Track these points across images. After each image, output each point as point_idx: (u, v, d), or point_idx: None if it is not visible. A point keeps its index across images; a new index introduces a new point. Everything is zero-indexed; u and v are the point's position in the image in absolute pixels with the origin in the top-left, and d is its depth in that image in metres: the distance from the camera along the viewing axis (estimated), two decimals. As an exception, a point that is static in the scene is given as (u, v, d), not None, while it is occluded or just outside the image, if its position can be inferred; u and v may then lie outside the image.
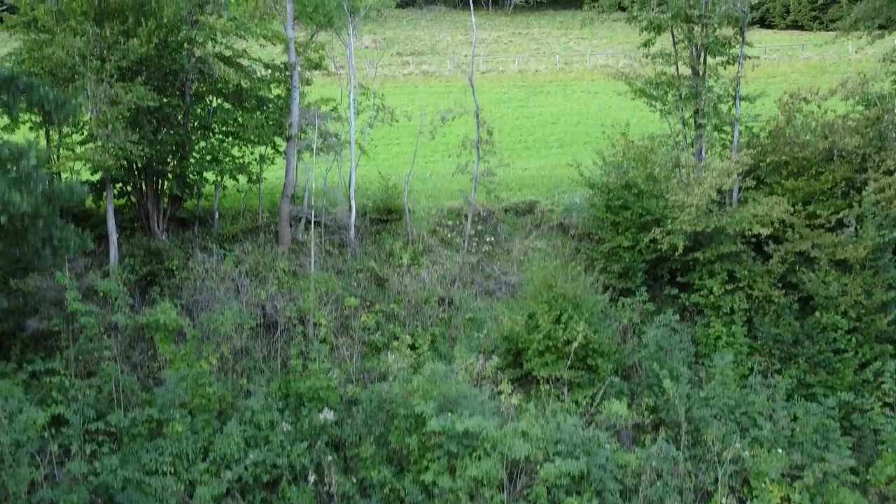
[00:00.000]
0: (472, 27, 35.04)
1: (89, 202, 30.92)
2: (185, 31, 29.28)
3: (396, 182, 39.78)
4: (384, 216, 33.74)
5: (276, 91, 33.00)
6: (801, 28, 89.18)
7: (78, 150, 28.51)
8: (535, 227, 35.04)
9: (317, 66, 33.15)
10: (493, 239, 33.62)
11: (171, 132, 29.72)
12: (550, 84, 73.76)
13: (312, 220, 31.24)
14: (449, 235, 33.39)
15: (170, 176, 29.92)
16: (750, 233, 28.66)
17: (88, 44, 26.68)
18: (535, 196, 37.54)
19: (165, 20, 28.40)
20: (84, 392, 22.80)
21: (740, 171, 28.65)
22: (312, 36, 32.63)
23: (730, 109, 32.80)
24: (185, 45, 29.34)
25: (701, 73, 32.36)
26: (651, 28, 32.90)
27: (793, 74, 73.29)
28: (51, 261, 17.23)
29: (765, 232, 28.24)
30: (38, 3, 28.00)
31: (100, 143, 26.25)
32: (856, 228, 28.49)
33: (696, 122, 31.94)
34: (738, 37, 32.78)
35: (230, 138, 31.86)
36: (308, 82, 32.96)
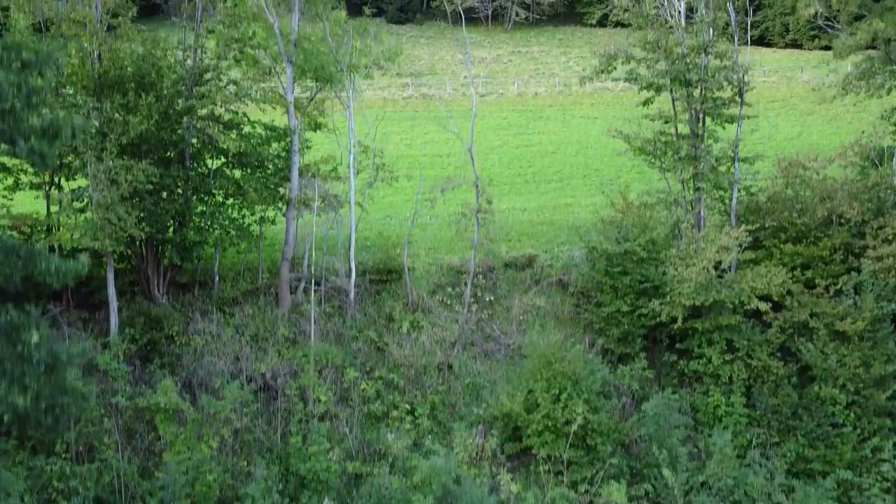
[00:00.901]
0: (472, 99, 34.74)
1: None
2: (185, 100, 29.29)
3: (396, 235, 39.94)
4: (384, 276, 33.78)
5: (275, 147, 33.00)
6: (800, 47, 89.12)
7: (77, 218, 28.52)
8: (534, 283, 35.11)
9: (317, 127, 33.20)
10: (492, 298, 33.69)
11: (171, 201, 29.76)
12: (550, 108, 73.71)
13: (312, 284, 31.30)
14: (449, 295, 33.42)
15: (169, 245, 29.92)
16: (749, 307, 28.74)
17: (88, 120, 26.68)
18: (534, 248, 37.64)
19: (165, 91, 28.44)
20: (85, 482, 22.85)
21: (739, 245, 28.69)
22: (312, 98, 32.64)
23: (728, 169, 32.86)
24: (185, 115, 29.34)
25: (700, 133, 32.41)
26: (650, 88, 32.91)
27: (792, 99, 73.40)
28: (52, 424, 16.97)
29: (763, 307, 28.32)
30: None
31: (100, 227, 26.24)
32: (854, 300, 28.56)
33: (695, 184, 31.97)
34: (736, 98, 32.76)
35: (230, 200, 31.89)
36: (308, 145, 33.02)
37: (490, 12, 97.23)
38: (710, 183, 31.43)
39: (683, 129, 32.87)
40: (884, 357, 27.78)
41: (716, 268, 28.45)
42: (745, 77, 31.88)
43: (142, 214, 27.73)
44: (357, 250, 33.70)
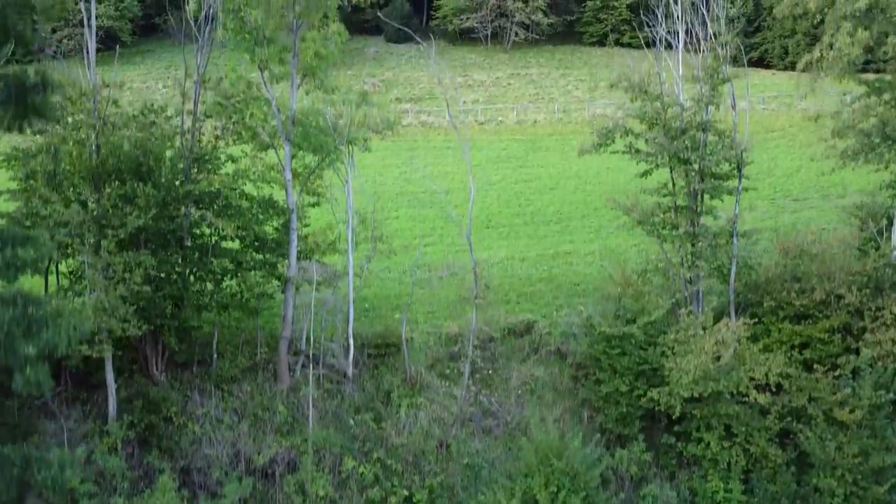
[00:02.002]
0: (470, 184, 34.48)
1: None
2: (183, 185, 29.25)
3: (396, 294, 39.97)
4: (382, 350, 33.77)
5: (274, 222, 33.00)
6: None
7: (75, 302, 28.49)
8: (533, 352, 35.08)
9: (316, 203, 33.20)
10: (491, 371, 33.70)
11: (170, 283, 29.75)
12: (549, 138, 73.64)
13: (311, 361, 31.30)
14: (448, 367, 33.44)
15: (168, 327, 29.90)
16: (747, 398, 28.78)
17: (86, 215, 26.68)
18: (532, 313, 37.59)
19: (163, 179, 28.41)
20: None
21: (738, 339, 28.64)
22: (311, 174, 32.61)
23: (728, 242, 32.85)
24: (184, 201, 29.30)
25: (698, 209, 32.40)
26: (649, 162, 32.89)
27: (791, 129, 73.35)
28: None
29: (762, 400, 28.35)
30: (35, 169, 28.05)
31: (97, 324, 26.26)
32: (853, 387, 28.58)
33: (693, 261, 31.92)
34: (735, 171, 32.73)
35: (228, 277, 31.88)
36: (307, 224, 33.02)
37: (489, 32, 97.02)
38: (709, 263, 31.41)
39: (682, 201, 32.84)
40: (882, 447, 27.82)
41: (716, 360, 28.42)
42: (744, 154, 31.81)
43: (141, 303, 27.65)
44: (356, 313, 33.63)
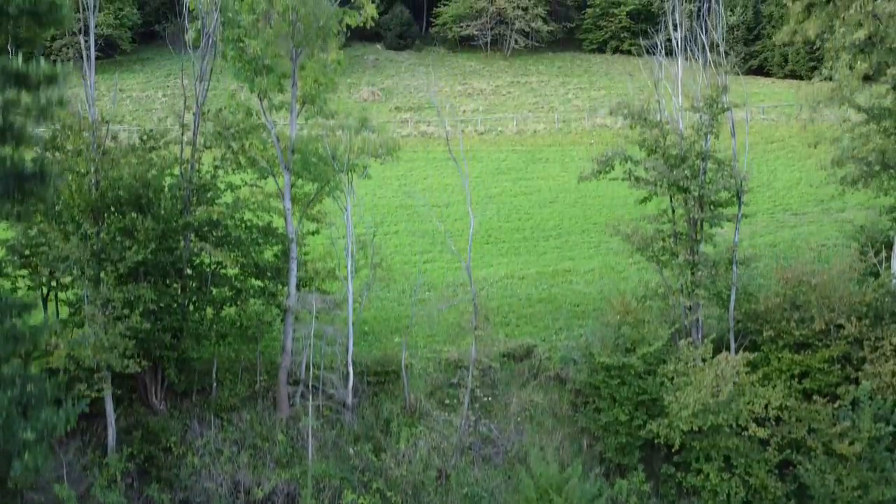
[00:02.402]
0: (470, 220, 34.38)
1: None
2: (183, 216, 29.22)
3: (395, 316, 39.94)
4: (382, 377, 33.74)
5: (274, 249, 32.98)
6: (800, 78, 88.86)
7: (74, 333, 28.47)
8: (532, 377, 35.06)
9: (316, 231, 33.18)
10: (490, 397, 33.68)
11: (170, 313, 29.73)
12: (549, 148, 73.59)
13: (310, 389, 31.28)
14: (447, 395, 33.42)
15: (167, 360, 29.88)
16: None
17: (85, 249, 26.66)
18: (532, 337, 37.57)
19: (163, 212, 28.39)
20: None
21: (737, 373, 28.61)
22: (310, 202, 32.58)
23: (727, 270, 32.82)
24: (183, 232, 29.28)
25: (697, 238, 32.38)
26: (648, 189, 32.87)
27: (790, 140, 73.19)
28: None
29: (762, 433, 28.34)
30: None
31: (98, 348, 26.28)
32: (852, 419, 28.57)
33: (692, 289, 31.89)
34: (735, 199, 32.69)
35: (228, 303, 31.88)
36: (307, 252, 32.99)
37: (489, 39, 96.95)
38: (709, 291, 31.40)
39: (682, 228, 32.81)
40: (882, 480, 27.82)
41: (714, 396, 28.38)
42: (744, 184, 31.76)
43: (140, 336, 27.62)
44: (355, 337, 33.54)
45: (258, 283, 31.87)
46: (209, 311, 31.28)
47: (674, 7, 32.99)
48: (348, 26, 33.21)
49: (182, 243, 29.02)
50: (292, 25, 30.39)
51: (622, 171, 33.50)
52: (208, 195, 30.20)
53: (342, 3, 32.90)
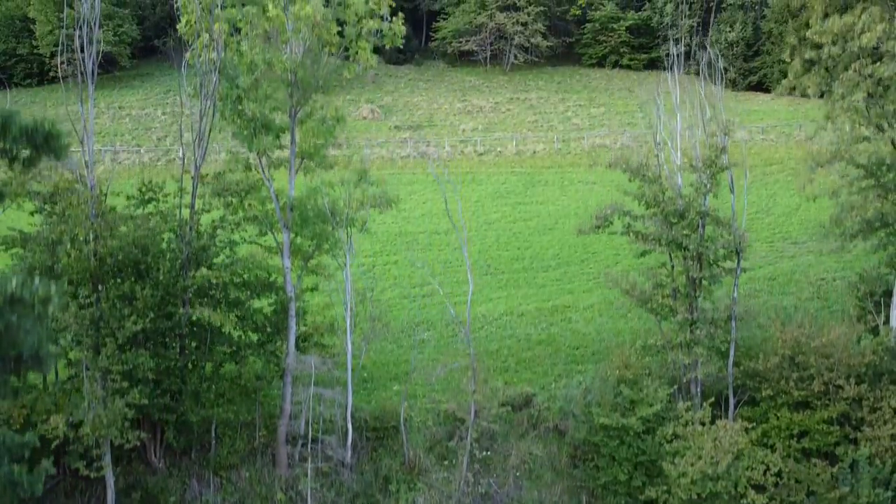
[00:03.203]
0: (469, 282, 34.28)
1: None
2: (182, 282, 29.21)
3: (394, 361, 39.93)
4: (380, 433, 33.76)
5: (271, 301, 32.99)
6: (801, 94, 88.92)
7: (72, 400, 28.49)
8: (531, 427, 35.09)
9: (315, 288, 33.18)
10: (489, 450, 33.69)
11: (168, 374, 29.76)
12: (548, 170, 73.56)
13: (309, 445, 31.31)
14: (447, 449, 33.44)
15: (166, 423, 29.90)
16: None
17: (84, 318, 26.67)
18: (531, 384, 37.57)
19: (161, 277, 28.38)
20: None
21: (736, 441, 28.64)
22: (309, 259, 32.58)
23: (726, 323, 32.84)
24: (182, 295, 29.28)
25: (696, 294, 32.40)
26: (647, 243, 32.91)
27: (790, 161, 73.12)
28: None
29: (761, 501, 28.38)
30: (34, 265, 28.00)
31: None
32: (851, 485, 28.60)
33: (691, 347, 31.91)
34: (734, 257, 32.71)
35: (227, 361, 31.90)
36: (305, 308, 33.00)
37: (489, 54, 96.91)
38: (707, 349, 31.45)
39: (681, 284, 32.82)
40: (881, 547, 27.89)
41: (713, 467, 28.40)
42: (742, 242, 31.77)
43: (141, 401, 27.62)
44: (354, 385, 33.55)
45: (256, 335, 31.84)
46: (209, 367, 31.30)
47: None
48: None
49: (181, 309, 28.97)
50: (291, 86, 30.37)
51: (621, 225, 33.53)
52: (207, 253, 30.16)
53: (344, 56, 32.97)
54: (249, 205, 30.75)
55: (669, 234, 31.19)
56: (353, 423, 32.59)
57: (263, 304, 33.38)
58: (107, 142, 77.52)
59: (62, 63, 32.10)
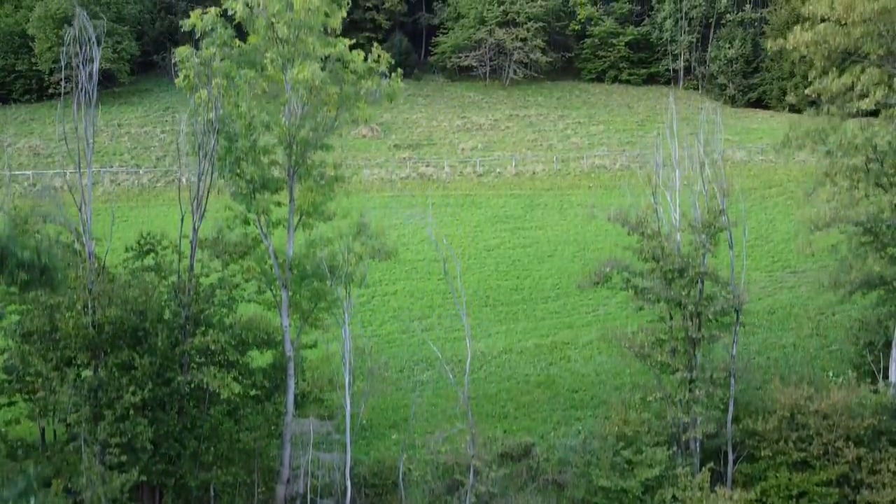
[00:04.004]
0: (468, 353, 34.18)
1: None
2: (180, 347, 29.17)
3: (393, 406, 39.92)
4: (379, 489, 33.75)
5: (269, 356, 33.01)
6: (799, 111, 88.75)
7: (68, 462, 28.52)
8: (530, 479, 35.10)
9: (313, 345, 33.19)
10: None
11: (166, 437, 29.72)
12: (548, 193, 73.55)
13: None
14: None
15: (165, 487, 29.89)
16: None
17: (82, 389, 26.66)
18: (530, 433, 37.60)
19: (160, 344, 28.36)
20: None
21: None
22: (308, 317, 32.55)
23: (725, 379, 32.83)
24: (180, 360, 29.25)
25: (695, 352, 32.39)
26: (645, 299, 32.90)
27: (789, 184, 73.21)
28: None
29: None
30: (31, 330, 28.02)
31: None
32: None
33: (690, 406, 31.89)
34: (733, 314, 32.69)
35: (226, 418, 31.89)
36: (305, 368, 33.00)
37: (488, 69, 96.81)
38: (706, 408, 31.46)
39: (679, 342, 32.79)
40: None
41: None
42: (741, 303, 31.76)
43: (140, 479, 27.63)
44: (353, 435, 33.47)
45: (255, 392, 31.82)
46: (207, 427, 31.26)
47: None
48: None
49: (180, 375, 28.95)
50: (289, 147, 30.35)
51: (620, 280, 33.52)
52: (205, 315, 30.13)
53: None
54: (249, 267, 30.68)
55: (668, 292, 31.16)
56: (351, 480, 32.58)
57: (262, 360, 33.37)
58: (105, 161, 77.43)
59: (63, 90, 31.83)
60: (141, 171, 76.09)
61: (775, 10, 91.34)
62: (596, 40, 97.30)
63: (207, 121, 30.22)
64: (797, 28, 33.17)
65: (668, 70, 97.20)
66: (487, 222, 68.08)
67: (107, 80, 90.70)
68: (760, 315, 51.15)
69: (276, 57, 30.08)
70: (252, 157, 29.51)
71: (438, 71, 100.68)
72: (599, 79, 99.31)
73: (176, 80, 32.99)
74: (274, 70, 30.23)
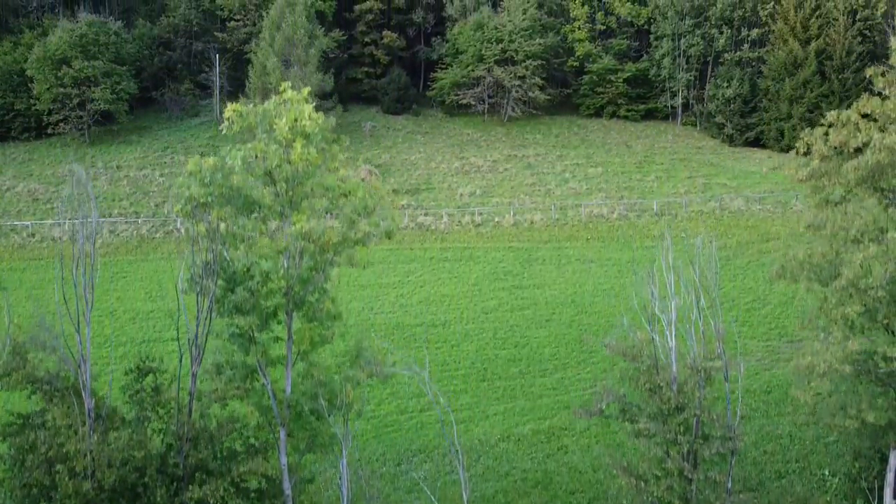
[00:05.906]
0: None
1: None
2: (180, 497, 29.38)
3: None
4: None
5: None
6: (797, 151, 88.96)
7: None
8: None
9: (311, 479, 33.39)
10: None
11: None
12: (545, 246, 73.75)
13: None
14: None
15: None
16: None
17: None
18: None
19: (159, 499, 28.55)
20: None
21: None
22: (304, 454, 32.76)
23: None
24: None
25: (691, 487, 32.60)
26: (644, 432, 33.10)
27: (788, 239, 73.27)
28: None
29: None
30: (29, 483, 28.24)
31: None
32: None
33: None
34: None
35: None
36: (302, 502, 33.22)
37: (486, 106, 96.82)
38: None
39: (676, 480, 32.96)
40: None
41: None
42: (738, 441, 31.94)
43: None
44: None
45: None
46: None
47: None
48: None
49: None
50: (287, 294, 30.51)
51: (616, 410, 33.72)
52: (205, 463, 30.31)
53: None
54: (250, 412, 30.90)
55: (663, 431, 31.36)
56: None
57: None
58: (104, 208, 77.50)
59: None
60: (139, 221, 76.13)
61: (773, 50, 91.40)
62: (594, 77, 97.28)
63: (206, 263, 30.33)
64: None
65: (666, 106, 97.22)
66: (486, 279, 68.24)
67: (105, 120, 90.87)
68: (757, 395, 51.48)
69: (273, 205, 30.20)
70: (250, 305, 29.62)
71: (437, 105, 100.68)
72: (598, 114, 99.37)
73: (175, 209, 33.00)
74: (275, 220, 30.37)
